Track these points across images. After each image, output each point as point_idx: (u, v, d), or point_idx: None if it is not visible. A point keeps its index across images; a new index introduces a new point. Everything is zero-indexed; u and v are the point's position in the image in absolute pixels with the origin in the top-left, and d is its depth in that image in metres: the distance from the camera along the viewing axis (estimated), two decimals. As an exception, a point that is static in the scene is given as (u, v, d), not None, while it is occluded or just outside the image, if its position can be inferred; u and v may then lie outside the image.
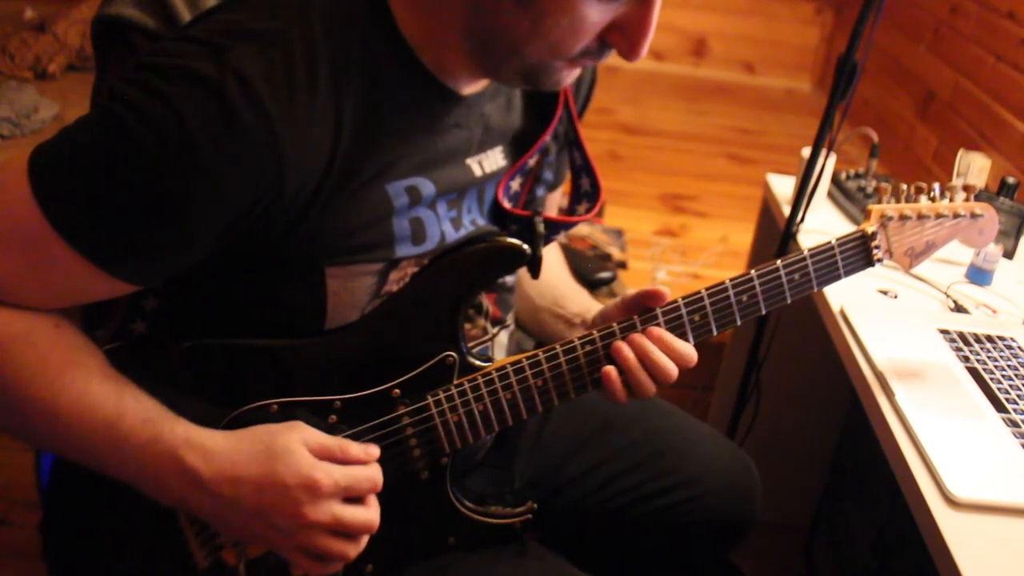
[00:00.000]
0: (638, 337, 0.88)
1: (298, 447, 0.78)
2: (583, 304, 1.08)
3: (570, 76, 0.82)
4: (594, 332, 0.89)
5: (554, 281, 1.12)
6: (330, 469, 0.79)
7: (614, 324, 0.89)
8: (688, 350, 0.89)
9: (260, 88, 0.71)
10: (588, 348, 0.89)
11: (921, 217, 0.99)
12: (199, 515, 0.83)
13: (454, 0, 0.77)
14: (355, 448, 0.82)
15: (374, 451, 0.83)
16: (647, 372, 0.88)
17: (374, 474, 0.82)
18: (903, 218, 0.98)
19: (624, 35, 0.77)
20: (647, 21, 0.76)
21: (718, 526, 1.15)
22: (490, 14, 0.75)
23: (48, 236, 0.73)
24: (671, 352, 0.88)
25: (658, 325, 0.89)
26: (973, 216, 1.02)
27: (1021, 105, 2.76)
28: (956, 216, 1.01)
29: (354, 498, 0.81)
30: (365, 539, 0.82)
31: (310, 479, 0.77)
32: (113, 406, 0.77)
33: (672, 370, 0.88)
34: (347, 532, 0.80)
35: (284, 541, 0.80)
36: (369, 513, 0.81)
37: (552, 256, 1.15)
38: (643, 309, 0.90)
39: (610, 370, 0.88)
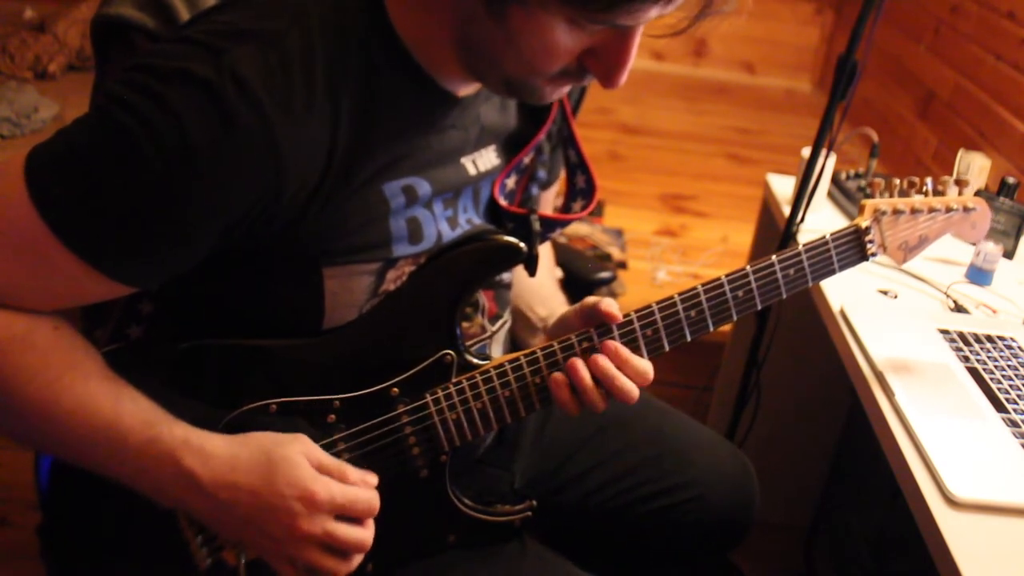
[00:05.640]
0: (600, 358, 0.87)
1: (299, 459, 0.78)
2: (550, 308, 1.07)
3: (554, 93, 0.81)
4: (591, 330, 0.89)
5: (532, 284, 1.10)
6: (329, 484, 0.78)
7: (612, 324, 0.89)
8: (644, 366, 0.88)
9: (257, 90, 0.71)
10: (586, 345, 0.88)
11: (914, 211, 0.99)
12: (196, 517, 0.83)
13: (444, 5, 0.77)
14: (353, 473, 0.81)
15: (372, 479, 0.82)
16: (603, 390, 0.87)
17: (372, 499, 0.81)
18: (896, 212, 0.98)
19: (600, 62, 0.76)
20: (625, 52, 0.75)
21: (717, 528, 1.15)
22: (471, 24, 0.75)
23: (45, 238, 0.72)
24: (626, 368, 0.87)
25: (654, 323, 0.89)
26: (965, 210, 1.02)
27: (1021, 105, 2.75)
28: (949, 210, 1.01)
29: (349, 518, 0.80)
30: (358, 558, 0.82)
31: (308, 491, 0.77)
32: (111, 408, 0.77)
33: (633, 391, 0.87)
34: (339, 549, 0.80)
35: (275, 549, 0.80)
36: (363, 532, 0.81)
37: (540, 256, 1.14)
38: (599, 321, 0.89)
39: (558, 377, 0.88)
